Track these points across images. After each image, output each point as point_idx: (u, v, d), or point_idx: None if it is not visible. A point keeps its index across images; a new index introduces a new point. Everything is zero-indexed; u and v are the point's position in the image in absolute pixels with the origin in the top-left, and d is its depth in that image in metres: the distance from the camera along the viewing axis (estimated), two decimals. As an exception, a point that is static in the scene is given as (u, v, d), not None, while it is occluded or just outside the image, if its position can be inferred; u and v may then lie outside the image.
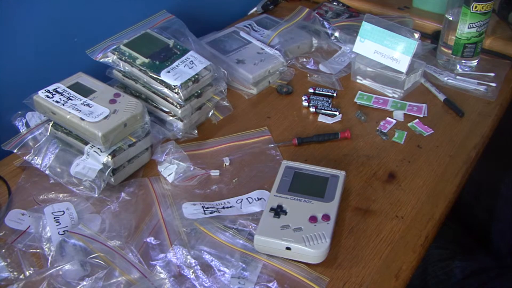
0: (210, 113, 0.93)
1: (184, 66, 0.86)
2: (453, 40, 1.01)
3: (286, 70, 1.04)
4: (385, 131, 0.90)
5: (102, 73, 0.89)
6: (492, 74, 1.03)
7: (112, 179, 0.78)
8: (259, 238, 0.67)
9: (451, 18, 1.02)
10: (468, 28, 0.98)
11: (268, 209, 0.70)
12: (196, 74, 0.86)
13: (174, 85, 0.83)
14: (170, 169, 0.80)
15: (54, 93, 0.78)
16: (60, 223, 0.72)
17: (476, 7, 0.96)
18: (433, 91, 0.99)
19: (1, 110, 0.87)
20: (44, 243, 0.69)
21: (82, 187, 0.77)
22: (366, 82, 1.02)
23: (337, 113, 0.94)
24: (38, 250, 0.69)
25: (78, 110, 0.76)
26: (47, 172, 0.79)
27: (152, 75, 0.84)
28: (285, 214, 0.69)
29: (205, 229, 0.71)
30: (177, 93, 0.83)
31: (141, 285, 0.63)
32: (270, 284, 0.64)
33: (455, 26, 1.00)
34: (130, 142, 0.78)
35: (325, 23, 1.13)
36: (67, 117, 0.76)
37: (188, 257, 0.67)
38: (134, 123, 0.78)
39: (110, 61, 0.86)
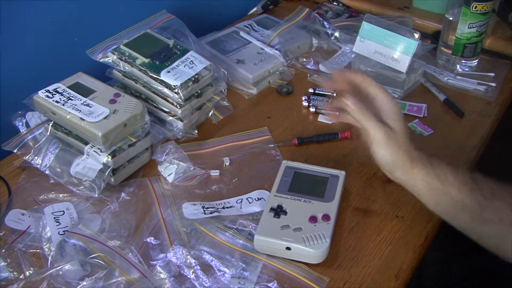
0: (210, 113, 0.93)
1: (184, 66, 0.86)
2: (453, 40, 1.01)
3: (286, 70, 1.04)
4: (385, 131, 0.90)
5: (102, 73, 0.89)
6: (492, 74, 1.03)
7: (112, 179, 0.78)
8: (259, 238, 0.67)
9: (451, 18, 1.02)
10: (468, 28, 0.98)
11: (268, 209, 0.70)
12: (196, 74, 0.86)
13: (174, 85, 0.83)
14: (170, 169, 0.80)
15: (54, 93, 0.78)
16: (60, 223, 0.72)
17: (476, 7, 0.96)
18: (433, 91, 0.99)
19: (1, 110, 0.87)
20: (44, 243, 0.69)
21: (82, 187, 0.77)
22: (366, 82, 1.02)
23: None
24: (38, 250, 0.69)
25: (78, 110, 0.76)
26: (47, 172, 0.79)
27: (152, 75, 0.84)
28: (285, 214, 0.69)
29: (205, 229, 0.71)
30: (177, 93, 0.83)
31: (141, 285, 0.63)
32: (270, 284, 0.64)
33: (455, 26, 1.00)
34: (130, 142, 0.78)
35: (325, 23, 1.13)
36: (67, 117, 0.76)
37: (188, 257, 0.67)
38: (134, 123, 0.78)
39: (110, 61, 0.86)
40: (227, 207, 0.75)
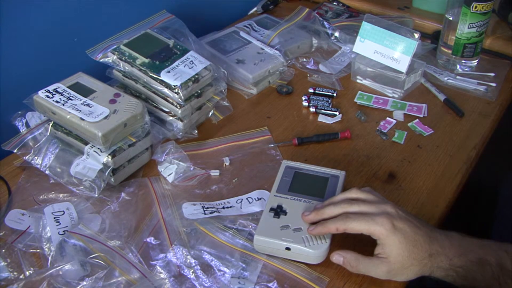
0: (210, 113, 0.93)
1: (184, 66, 0.86)
2: (453, 40, 1.01)
3: (286, 70, 1.04)
4: (385, 131, 0.90)
5: (102, 73, 0.89)
6: (492, 74, 1.03)
7: (112, 179, 0.78)
8: (259, 238, 0.67)
9: (451, 18, 1.02)
10: (468, 28, 0.98)
11: (268, 209, 0.70)
12: (196, 74, 0.86)
13: (174, 85, 0.83)
14: (170, 169, 0.80)
15: (54, 93, 0.78)
16: (60, 223, 0.72)
17: (476, 7, 0.96)
18: (433, 91, 0.99)
19: (1, 110, 0.87)
20: (44, 243, 0.69)
21: (82, 187, 0.77)
22: (366, 82, 1.02)
23: (337, 113, 0.94)
24: (38, 250, 0.69)
25: (78, 110, 0.76)
26: (47, 172, 0.79)
27: (152, 75, 0.84)
28: (285, 214, 0.69)
29: (205, 229, 0.71)
30: (177, 93, 0.83)
31: (141, 285, 0.63)
32: (270, 284, 0.64)
33: (455, 26, 1.00)
34: (130, 142, 0.78)
35: (325, 23, 1.13)
36: (67, 117, 0.76)
37: (188, 257, 0.67)
38: (134, 123, 0.78)
39: (110, 61, 0.86)
40: (227, 207, 0.75)
